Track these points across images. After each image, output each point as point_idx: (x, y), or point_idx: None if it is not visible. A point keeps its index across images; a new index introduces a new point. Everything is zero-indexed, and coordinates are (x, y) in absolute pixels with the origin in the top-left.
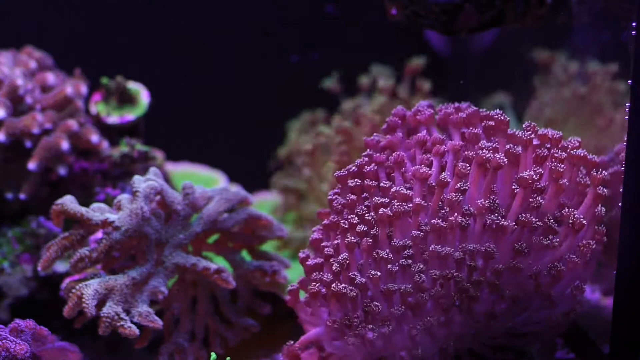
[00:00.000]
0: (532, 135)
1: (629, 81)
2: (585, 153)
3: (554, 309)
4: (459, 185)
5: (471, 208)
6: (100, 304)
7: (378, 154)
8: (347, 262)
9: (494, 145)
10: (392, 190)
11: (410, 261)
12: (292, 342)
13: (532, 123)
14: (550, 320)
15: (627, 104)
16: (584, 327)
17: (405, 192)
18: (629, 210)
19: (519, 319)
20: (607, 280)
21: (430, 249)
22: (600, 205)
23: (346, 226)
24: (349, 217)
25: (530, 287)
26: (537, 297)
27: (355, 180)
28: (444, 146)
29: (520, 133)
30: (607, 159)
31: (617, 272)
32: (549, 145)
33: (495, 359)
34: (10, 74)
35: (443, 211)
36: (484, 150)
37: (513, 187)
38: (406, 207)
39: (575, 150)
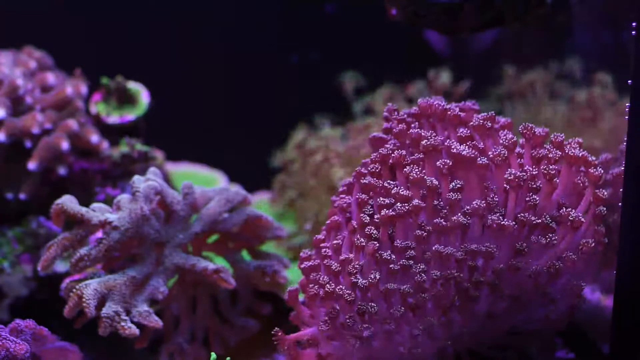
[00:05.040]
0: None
1: (629, 81)
2: (585, 153)
3: (553, 306)
4: (452, 185)
5: (468, 208)
6: (100, 304)
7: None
8: (349, 262)
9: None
10: (392, 191)
11: (411, 262)
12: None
13: (530, 125)
14: (550, 318)
15: (627, 104)
16: (584, 327)
17: (405, 193)
18: (629, 210)
19: (519, 317)
20: (607, 280)
21: (433, 249)
22: (600, 205)
23: (351, 227)
24: (354, 216)
25: (530, 286)
26: (537, 295)
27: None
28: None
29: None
30: (611, 158)
31: (617, 272)
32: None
33: (495, 358)
34: (10, 74)
35: (444, 211)
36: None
37: (505, 186)
38: (407, 208)
39: (573, 150)
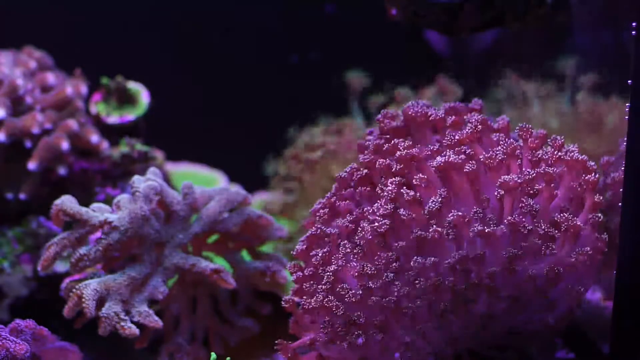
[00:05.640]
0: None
1: (629, 81)
2: (584, 158)
3: (553, 309)
4: (433, 198)
5: (453, 218)
6: (100, 304)
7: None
8: (337, 274)
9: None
10: (375, 205)
11: (392, 274)
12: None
13: (528, 125)
14: (550, 319)
15: (627, 104)
16: (584, 327)
17: (385, 208)
18: (629, 210)
19: (519, 318)
20: (608, 280)
21: (412, 263)
22: (597, 211)
23: (335, 234)
24: (338, 225)
25: (529, 288)
26: (537, 296)
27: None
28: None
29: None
30: (613, 160)
31: (617, 272)
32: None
33: (495, 358)
34: (10, 74)
35: (433, 222)
36: (460, 155)
37: (499, 191)
38: (388, 224)
39: (572, 154)
